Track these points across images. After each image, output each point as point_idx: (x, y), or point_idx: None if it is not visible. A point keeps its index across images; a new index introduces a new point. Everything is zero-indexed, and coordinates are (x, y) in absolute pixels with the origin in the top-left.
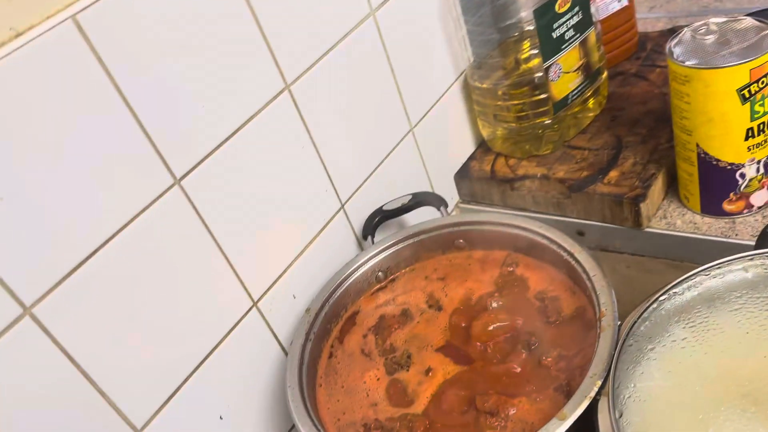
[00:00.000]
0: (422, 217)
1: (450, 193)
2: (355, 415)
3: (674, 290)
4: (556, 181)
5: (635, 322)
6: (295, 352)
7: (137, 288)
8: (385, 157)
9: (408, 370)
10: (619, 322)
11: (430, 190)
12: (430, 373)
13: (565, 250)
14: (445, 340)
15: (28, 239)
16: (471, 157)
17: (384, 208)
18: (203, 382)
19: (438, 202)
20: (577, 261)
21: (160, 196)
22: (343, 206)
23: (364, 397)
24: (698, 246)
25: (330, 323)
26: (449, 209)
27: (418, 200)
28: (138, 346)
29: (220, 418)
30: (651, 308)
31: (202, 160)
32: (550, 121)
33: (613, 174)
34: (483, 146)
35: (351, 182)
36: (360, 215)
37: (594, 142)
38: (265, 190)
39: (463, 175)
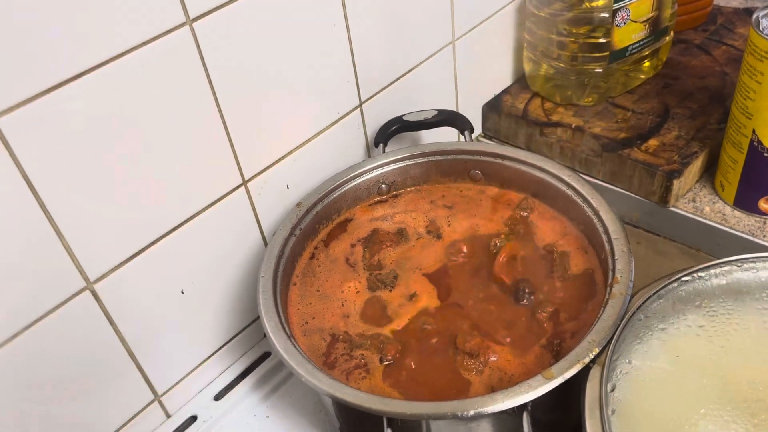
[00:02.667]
0: (441, 138)
1: (473, 123)
2: (325, 322)
3: (699, 273)
4: (590, 136)
5: (649, 297)
6: (276, 243)
7: (121, 129)
8: (418, 64)
9: (391, 291)
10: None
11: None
12: (414, 299)
13: (590, 205)
14: (436, 269)
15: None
16: (505, 91)
17: (404, 117)
18: (171, 251)
19: (464, 124)
20: (600, 220)
21: (169, 31)
22: (361, 105)
23: (338, 306)
24: (721, 238)
25: (319, 224)
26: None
27: (443, 118)
28: (110, 193)
29: (182, 292)
30: (670, 287)
31: (223, 4)
32: (601, 71)
33: (653, 143)
34: (521, 82)
35: (376, 81)
36: (375, 121)
37: (640, 105)
38: (283, 64)
39: (492, 107)
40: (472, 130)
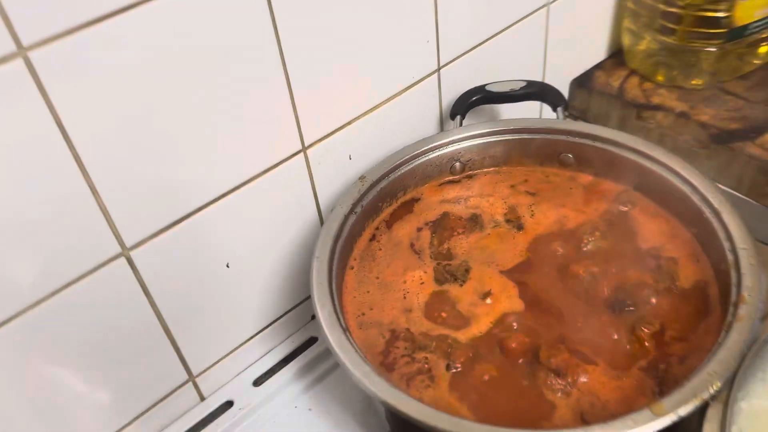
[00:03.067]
0: (523, 115)
1: None
2: (384, 314)
3: None
4: (696, 124)
5: None
6: (335, 221)
7: (172, 77)
8: (506, 28)
9: (462, 285)
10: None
11: None
12: (489, 298)
13: (709, 204)
14: (515, 265)
15: None
16: (598, 66)
17: (487, 87)
18: (216, 220)
19: (557, 99)
20: (722, 223)
21: None
22: (439, 69)
23: (399, 298)
24: None
25: (383, 201)
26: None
27: (533, 91)
28: (152, 152)
29: (227, 266)
30: None
31: None
32: (715, 50)
33: None
34: (617, 57)
35: (458, 43)
36: (453, 90)
37: (754, 93)
38: (357, 21)
39: (583, 83)
40: (566, 107)
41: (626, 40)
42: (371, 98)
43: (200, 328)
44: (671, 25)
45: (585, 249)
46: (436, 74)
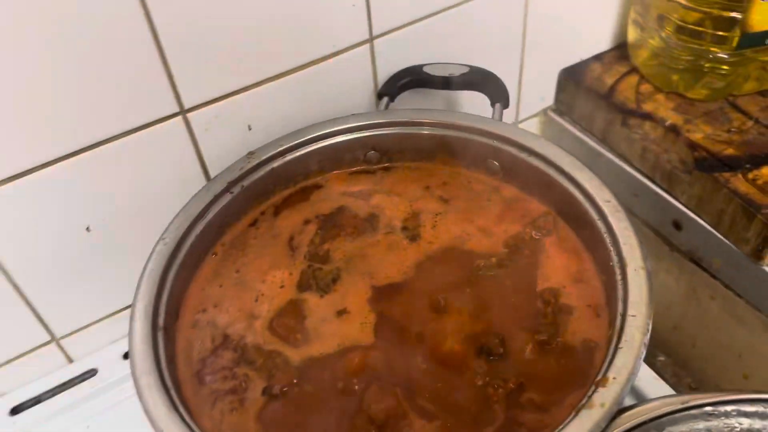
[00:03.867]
0: (467, 105)
1: (544, 91)
2: (226, 316)
3: (728, 408)
4: (684, 143)
5: (644, 424)
6: (199, 200)
7: None
8: None
9: (322, 297)
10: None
11: (516, 72)
12: (344, 317)
13: (620, 255)
14: (391, 283)
15: None
16: (597, 57)
17: (424, 68)
18: (70, 180)
19: (498, 94)
20: (625, 281)
21: None
22: (372, 40)
23: (250, 300)
24: None
25: (276, 183)
26: (519, 112)
27: (474, 79)
28: None
29: (87, 229)
30: (681, 416)
31: None
32: (726, 56)
33: (767, 172)
34: (619, 51)
35: (400, 10)
36: (391, 65)
37: None
38: None
39: (572, 75)
40: (505, 105)
41: (631, 34)
42: (278, 63)
43: (61, 291)
44: (677, 21)
45: (472, 277)
46: (367, 45)
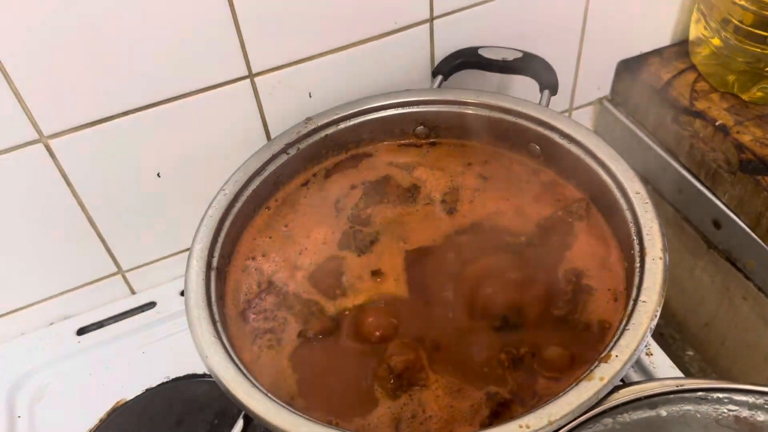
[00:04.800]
0: (519, 89)
1: (601, 81)
2: (272, 265)
3: (724, 395)
4: (732, 143)
5: (637, 399)
6: (258, 158)
7: None
8: None
9: (359, 256)
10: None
11: (573, 60)
12: (378, 277)
13: (642, 244)
14: (421, 247)
15: None
16: (656, 52)
17: (479, 51)
18: (144, 129)
19: (547, 79)
20: (642, 267)
21: None
22: (432, 20)
23: (294, 253)
24: None
25: (329, 149)
26: (574, 99)
27: (525, 64)
28: None
29: (158, 175)
30: (677, 396)
31: None
32: None
33: None
34: (680, 47)
35: None
36: (448, 45)
37: None
38: None
39: (630, 68)
40: (554, 92)
41: (693, 32)
42: (341, 35)
43: (130, 228)
44: (738, 22)
45: (503, 251)
46: (427, 24)
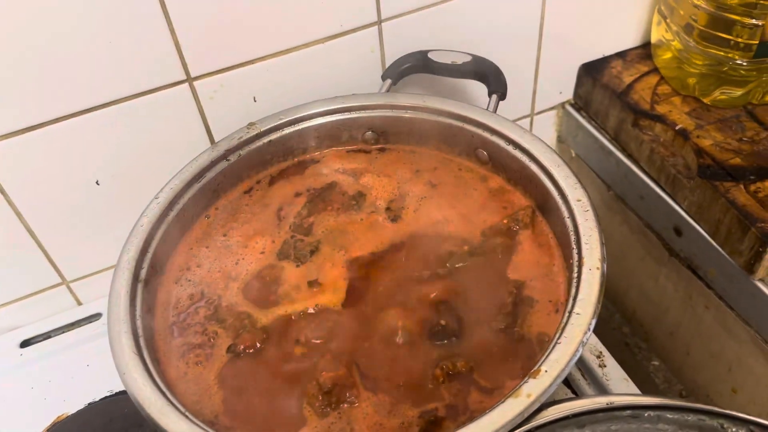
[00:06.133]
0: (471, 94)
1: (563, 85)
2: (207, 276)
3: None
4: (691, 148)
5: (564, 418)
6: (196, 164)
7: None
8: None
9: (298, 266)
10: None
11: (532, 65)
12: (315, 288)
13: (580, 258)
14: (364, 259)
15: None
16: (620, 54)
17: (429, 55)
18: (79, 135)
19: (495, 85)
20: (578, 284)
21: None
22: (380, 22)
23: (231, 263)
24: None
25: (274, 155)
26: (535, 104)
27: (474, 68)
28: None
29: (97, 183)
30: (606, 414)
31: None
32: (744, 63)
33: None
34: (644, 50)
35: None
36: (397, 47)
37: None
38: None
39: (590, 71)
40: (502, 96)
41: (654, 34)
42: (286, 38)
43: (72, 238)
44: (698, 25)
45: (443, 262)
46: (375, 27)
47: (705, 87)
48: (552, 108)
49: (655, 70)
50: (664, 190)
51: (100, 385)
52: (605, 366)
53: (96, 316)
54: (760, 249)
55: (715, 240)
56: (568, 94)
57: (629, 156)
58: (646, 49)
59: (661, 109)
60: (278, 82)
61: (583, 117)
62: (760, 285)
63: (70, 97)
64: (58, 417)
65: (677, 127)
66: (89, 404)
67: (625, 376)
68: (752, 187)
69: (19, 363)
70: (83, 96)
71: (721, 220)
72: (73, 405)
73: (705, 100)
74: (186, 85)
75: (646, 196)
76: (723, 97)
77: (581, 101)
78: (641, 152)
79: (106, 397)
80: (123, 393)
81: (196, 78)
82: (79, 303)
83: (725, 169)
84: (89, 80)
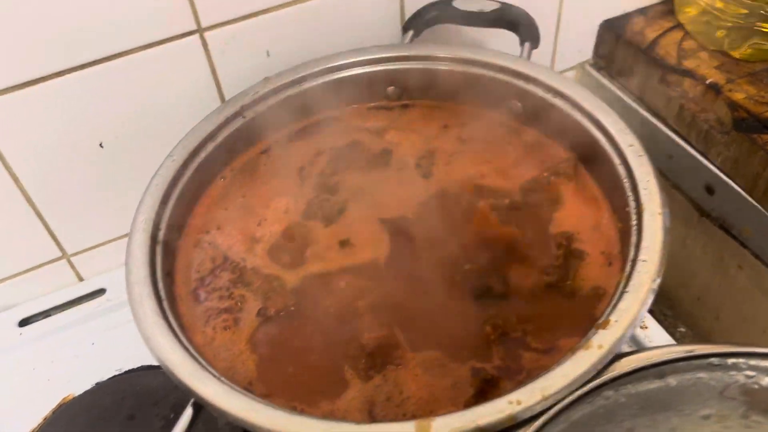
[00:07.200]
0: (497, 44)
1: (582, 43)
2: (228, 238)
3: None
4: (724, 102)
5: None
6: (209, 122)
7: None
8: None
9: (327, 227)
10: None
11: (554, 18)
12: (347, 248)
13: (638, 203)
14: (396, 217)
15: None
16: (640, 11)
17: (453, 3)
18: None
19: (528, 33)
20: (640, 229)
21: None
22: None
23: (253, 224)
24: None
25: (291, 112)
26: (555, 63)
27: (503, 16)
28: None
29: (100, 145)
30: (686, 363)
31: None
32: None
33: None
34: (666, 6)
35: None
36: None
37: None
38: None
39: (612, 28)
40: (535, 44)
41: None
42: None
43: (74, 207)
44: None
45: (483, 217)
46: None
47: (734, 40)
48: (571, 68)
49: (678, 26)
50: (694, 147)
51: (108, 364)
52: (647, 327)
53: (99, 292)
54: None
55: (752, 196)
56: (588, 53)
57: (656, 114)
58: (667, 5)
59: (688, 64)
60: (292, 35)
61: (604, 76)
62: None
63: (69, 50)
64: (64, 398)
65: (708, 82)
66: (97, 384)
67: (669, 337)
68: None
69: (18, 343)
70: (84, 49)
71: (759, 175)
72: (80, 386)
73: (734, 54)
74: (196, 36)
75: (675, 155)
76: (752, 50)
77: (603, 60)
78: (669, 109)
79: (115, 376)
80: (133, 371)
81: (207, 29)
82: (81, 279)
83: (761, 122)
84: (90, 31)
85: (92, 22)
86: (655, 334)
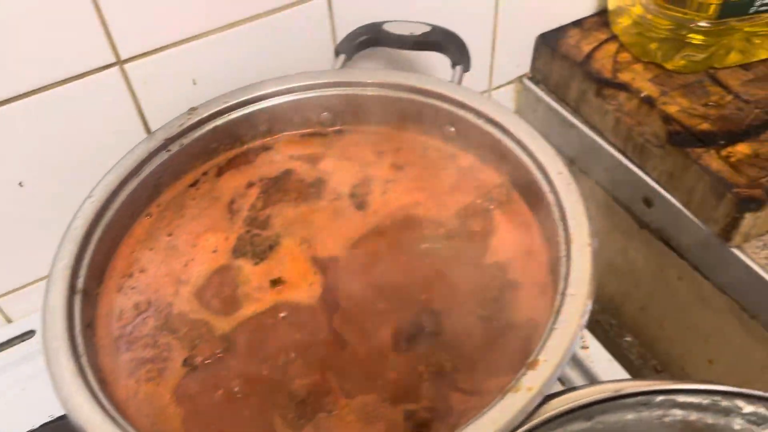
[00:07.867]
0: (429, 67)
1: (520, 58)
2: (154, 281)
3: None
4: (659, 115)
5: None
6: (132, 157)
7: None
8: None
9: (257, 264)
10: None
11: (489, 36)
12: (279, 286)
13: (567, 230)
14: (326, 248)
15: None
16: (576, 23)
17: (384, 26)
18: None
19: (458, 55)
20: (569, 258)
21: None
22: None
23: (180, 265)
24: None
25: (220, 143)
26: (492, 79)
27: (433, 38)
28: None
29: (20, 184)
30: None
31: None
32: (706, 26)
33: (742, 149)
34: (601, 17)
35: None
36: (350, 20)
37: (751, 88)
38: None
39: (547, 42)
40: (466, 67)
41: (612, 1)
42: (227, 11)
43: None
44: None
45: (418, 249)
46: None
47: (667, 52)
48: (509, 82)
49: (613, 37)
50: (631, 160)
51: (39, 409)
52: (588, 348)
53: (29, 334)
54: (737, 215)
55: (688, 209)
56: (525, 67)
57: (593, 128)
58: (602, 17)
59: (623, 77)
60: (220, 63)
61: (542, 90)
62: (737, 252)
63: None
64: None
65: (642, 95)
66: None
67: (609, 357)
68: (723, 152)
69: None
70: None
71: (694, 188)
72: None
73: (667, 66)
74: (116, 68)
75: (612, 168)
76: (685, 62)
77: (540, 74)
78: (605, 123)
79: (46, 423)
80: (66, 417)
81: (127, 60)
82: (9, 320)
83: (695, 135)
84: (2, 69)
85: (3, 60)
86: (595, 354)
